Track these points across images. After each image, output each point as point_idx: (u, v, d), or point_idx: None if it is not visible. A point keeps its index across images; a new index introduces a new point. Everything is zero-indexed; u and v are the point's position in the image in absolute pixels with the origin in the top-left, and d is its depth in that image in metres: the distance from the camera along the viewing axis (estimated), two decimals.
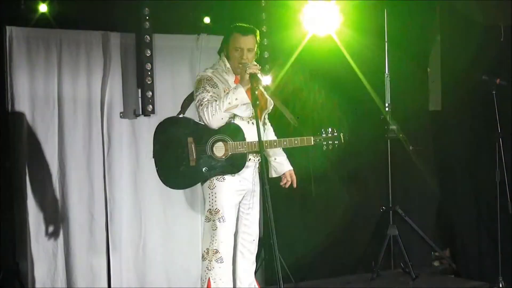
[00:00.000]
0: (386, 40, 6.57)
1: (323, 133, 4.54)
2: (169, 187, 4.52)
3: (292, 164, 4.79)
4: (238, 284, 4.63)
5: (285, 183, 4.77)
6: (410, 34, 6.79)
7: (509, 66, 6.09)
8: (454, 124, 6.71)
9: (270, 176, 4.70)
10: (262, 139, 4.23)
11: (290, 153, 4.84)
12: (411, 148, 6.47)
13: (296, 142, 4.51)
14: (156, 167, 4.45)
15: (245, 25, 4.57)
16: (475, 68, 6.00)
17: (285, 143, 4.51)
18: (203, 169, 4.40)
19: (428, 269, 6.75)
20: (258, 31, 4.57)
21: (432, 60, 7.02)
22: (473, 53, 6.43)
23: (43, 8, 5.48)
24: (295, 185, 4.79)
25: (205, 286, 4.45)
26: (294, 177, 4.77)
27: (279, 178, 4.79)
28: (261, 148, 4.17)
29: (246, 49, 4.47)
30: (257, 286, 4.72)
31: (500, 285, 5.69)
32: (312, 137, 4.53)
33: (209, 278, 4.44)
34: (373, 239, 6.63)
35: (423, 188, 6.86)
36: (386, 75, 6.50)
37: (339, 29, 6.25)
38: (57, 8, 5.50)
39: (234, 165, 4.41)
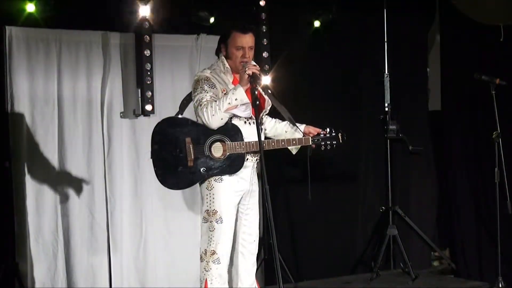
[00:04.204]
0: (386, 40, 6.57)
1: (321, 133, 4.54)
2: (167, 187, 4.51)
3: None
4: (239, 284, 4.62)
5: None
6: (410, 34, 6.79)
7: (509, 66, 6.09)
8: (454, 124, 6.71)
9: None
10: (261, 139, 4.21)
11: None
12: (411, 148, 6.46)
13: (294, 142, 4.51)
14: (154, 167, 4.44)
15: (244, 23, 4.57)
16: (475, 68, 5.99)
17: (283, 143, 4.50)
18: (201, 169, 4.39)
19: (428, 269, 6.75)
20: (254, 28, 4.57)
21: (432, 60, 7.02)
22: (473, 53, 6.44)
23: (43, 8, 5.48)
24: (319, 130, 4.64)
25: (203, 286, 4.44)
26: (313, 130, 4.64)
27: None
28: (260, 149, 4.17)
29: (248, 47, 4.47)
30: (257, 286, 4.72)
31: (500, 285, 5.68)
32: (310, 137, 4.53)
33: (206, 279, 4.44)
34: (373, 239, 6.63)
35: (423, 188, 6.87)
36: (386, 75, 6.51)
37: None
38: (57, 8, 5.50)
39: (232, 165, 4.40)
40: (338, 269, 6.51)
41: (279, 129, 4.71)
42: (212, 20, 5.98)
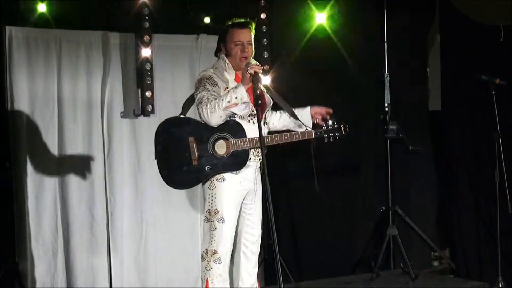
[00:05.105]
0: (386, 40, 6.57)
1: (323, 126, 4.53)
2: (173, 187, 4.50)
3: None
4: (240, 284, 4.62)
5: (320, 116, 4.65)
6: (410, 34, 6.79)
7: (509, 66, 6.10)
8: (454, 124, 6.70)
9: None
10: (263, 137, 4.21)
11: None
12: (411, 148, 6.46)
13: (297, 136, 4.49)
14: (158, 168, 4.42)
15: (240, 19, 4.57)
16: (475, 68, 5.99)
17: (286, 137, 4.47)
18: (206, 167, 4.38)
19: (428, 269, 6.75)
20: (253, 24, 4.56)
21: (432, 60, 7.02)
22: (473, 53, 6.44)
23: (42, 8, 5.48)
24: (330, 110, 4.65)
25: (203, 286, 4.44)
26: (319, 110, 4.65)
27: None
28: (262, 147, 4.16)
29: (246, 42, 4.47)
30: (257, 286, 4.71)
31: (500, 285, 5.69)
32: (313, 131, 4.51)
33: (207, 279, 4.43)
34: (373, 239, 6.63)
35: (423, 188, 6.86)
36: (386, 75, 6.50)
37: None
38: (57, 8, 5.50)
39: (236, 162, 4.38)
40: (338, 269, 6.50)
41: (287, 120, 4.70)
42: (207, 19, 5.99)
